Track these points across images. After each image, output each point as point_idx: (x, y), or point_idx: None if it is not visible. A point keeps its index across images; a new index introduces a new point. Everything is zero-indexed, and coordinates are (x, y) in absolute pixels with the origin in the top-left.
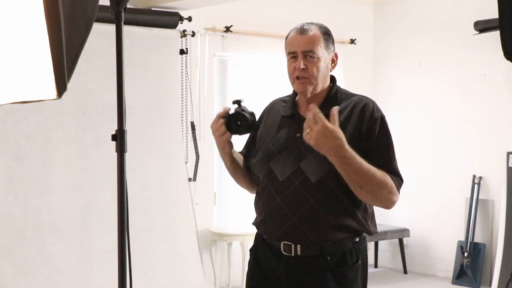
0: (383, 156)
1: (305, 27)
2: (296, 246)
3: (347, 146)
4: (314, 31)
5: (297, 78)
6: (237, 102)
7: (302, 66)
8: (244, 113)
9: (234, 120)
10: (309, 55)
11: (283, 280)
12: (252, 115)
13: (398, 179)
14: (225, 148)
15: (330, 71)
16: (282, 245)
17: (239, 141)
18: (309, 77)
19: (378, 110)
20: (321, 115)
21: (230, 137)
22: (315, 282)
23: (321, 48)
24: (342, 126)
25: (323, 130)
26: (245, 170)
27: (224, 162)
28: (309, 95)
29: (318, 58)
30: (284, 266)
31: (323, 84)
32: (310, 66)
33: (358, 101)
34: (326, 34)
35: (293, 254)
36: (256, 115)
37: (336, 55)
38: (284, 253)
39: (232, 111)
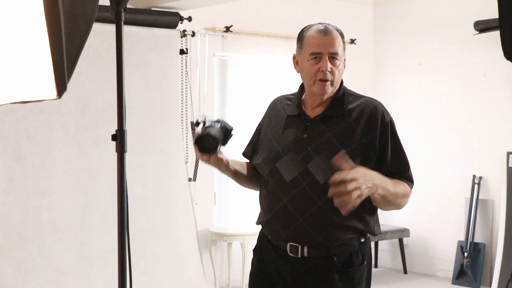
0: (397, 164)
1: (327, 28)
2: (303, 247)
3: (379, 178)
4: (335, 32)
5: (321, 80)
6: (197, 124)
7: (329, 69)
8: (208, 132)
9: (205, 143)
10: (333, 57)
11: (289, 281)
12: (221, 126)
13: (411, 184)
14: (220, 167)
15: None
16: (288, 246)
17: (239, 142)
18: (333, 79)
19: (388, 113)
20: (349, 173)
21: (216, 156)
22: (322, 283)
23: (341, 50)
24: (351, 128)
25: (365, 180)
26: (249, 172)
27: (226, 175)
28: (325, 97)
29: (340, 61)
30: (291, 267)
31: (337, 86)
32: (334, 69)
33: (367, 104)
34: (343, 36)
35: (299, 256)
36: (256, 115)
37: (344, 59)
38: (291, 255)
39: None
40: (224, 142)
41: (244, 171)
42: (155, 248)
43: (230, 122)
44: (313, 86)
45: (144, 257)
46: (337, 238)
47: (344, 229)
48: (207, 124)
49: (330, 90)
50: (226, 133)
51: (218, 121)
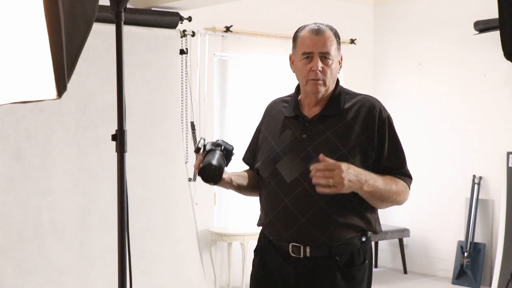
0: (394, 160)
1: (319, 27)
2: (305, 247)
3: (365, 174)
4: (328, 32)
5: (313, 79)
6: (197, 150)
7: (320, 68)
8: (209, 162)
9: (208, 173)
10: (325, 56)
11: (292, 282)
12: (221, 149)
13: (409, 179)
14: (224, 186)
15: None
16: (290, 247)
17: (239, 143)
18: (324, 79)
19: (385, 110)
20: (329, 161)
21: (220, 178)
22: (325, 283)
23: (334, 50)
24: (349, 126)
25: (342, 172)
26: (250, 182)
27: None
28: (319, 96)
29: (332, 60)
30: (293, 268)
31: (332, 86)
32: (325, 68)
33: (364, 101)
34: (337, 35)
35: (302, 256)
36: (256, 115)
37: (341, 57)
38: (293, 255)
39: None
40: (227, 164)
41: (245, 182)
42: (155, 248)
43: (229, 140)
44: (306, 85)
45: (144, 257)
46: (339, 237)
47: (346, 227)
48: (207, 148)
49: (323, 89)
50: (227, 154)
51: (218, 144)
